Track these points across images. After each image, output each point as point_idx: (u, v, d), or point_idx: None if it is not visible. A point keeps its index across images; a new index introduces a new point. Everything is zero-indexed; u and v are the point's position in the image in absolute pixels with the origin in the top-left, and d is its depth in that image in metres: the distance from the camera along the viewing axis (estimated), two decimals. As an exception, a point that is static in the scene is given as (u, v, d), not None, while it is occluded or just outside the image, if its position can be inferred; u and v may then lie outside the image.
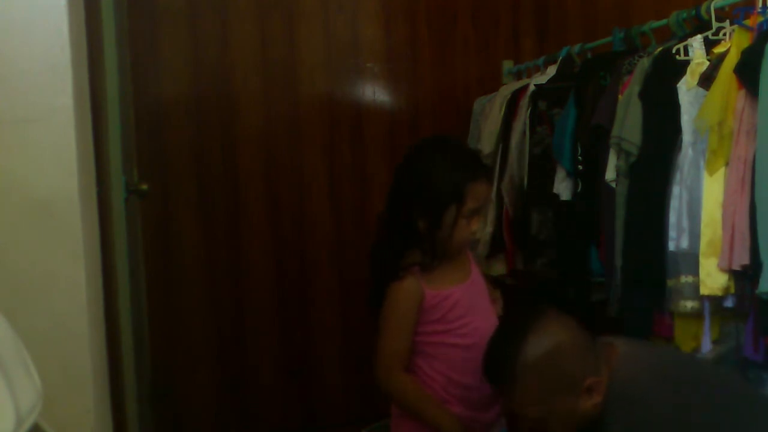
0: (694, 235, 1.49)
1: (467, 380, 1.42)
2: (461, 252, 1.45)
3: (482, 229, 1.46)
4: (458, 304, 1.42)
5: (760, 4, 1.46)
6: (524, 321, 1.19)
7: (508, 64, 2.85)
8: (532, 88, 2.27)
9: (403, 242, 1.41)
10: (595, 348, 1.18)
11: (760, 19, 1.45)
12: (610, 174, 1.74)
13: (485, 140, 2.51)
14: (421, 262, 1.39)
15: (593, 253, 1.89)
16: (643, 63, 1.69)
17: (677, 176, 1.54)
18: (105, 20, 1.35)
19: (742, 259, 1.38)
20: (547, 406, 1.13)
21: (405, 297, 1.40)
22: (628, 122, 1.65)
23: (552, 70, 2.30)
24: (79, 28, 0.91)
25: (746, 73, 1.37)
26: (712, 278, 1.42)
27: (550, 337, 1.15)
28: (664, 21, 1.82)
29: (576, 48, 2.26)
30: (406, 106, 2.70)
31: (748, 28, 1.47)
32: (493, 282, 1.89)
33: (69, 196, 0.85)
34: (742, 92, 1.39)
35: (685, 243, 1.51)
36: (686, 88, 1.54)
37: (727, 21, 1.59)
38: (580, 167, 1.91)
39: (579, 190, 1.92)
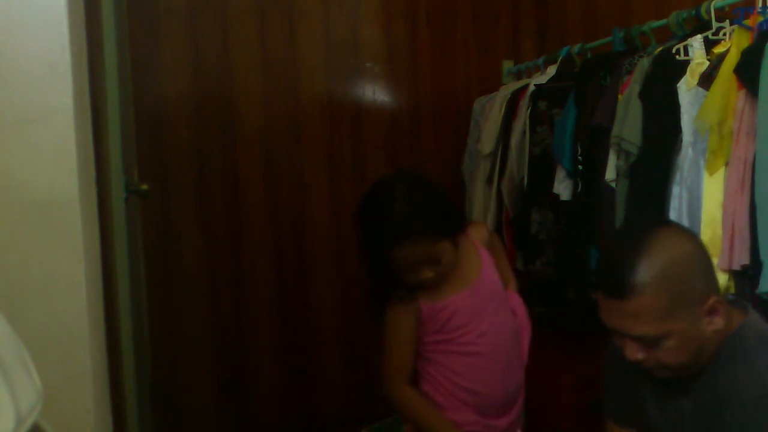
0: (694, 235, 1.49)
1: (476, 387, 1.41)
2: (443, 279, 1.39)
3: (436, 272, 1.35)
4: (457, 313, 1.40)
5: (760, 4, 1.46)
6: (646, 230, 1.05)
7: (508, 64, 2.85)
8: (532, 88, 2.27)
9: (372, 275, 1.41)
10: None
11: (760, 19, 1.45)
12: (610, 174, 1.74)
13: (485, 140, 2.51)
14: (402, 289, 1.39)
15: (593, 253, 1.89)
16: (643, 63, 1.69)
17: (677, 176, 1.54)
18: (105, 20, 1.35)
19: (742, 259, 1.38)
20: (666, 324, 0.99)
21: (399, 315, 1.41)
22: (628, 122, 1.65)
23: (552, 70, 2.30)
24: (79, 28, 0.91)
25: (746, 73, 1.37)
26: (712, 278, 1.42)
27: (675, 247, 1.01)
28: (664, 21, 1.82)
29: (576, 48, 2.26)
30: (406, 106, 2.70)
31: (748, 28, 1.47)
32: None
33: (69, 196, 0.85)
34: (742, 92, 1.39)
35: (685, 243, 1.51)
36: (686, 88, 1.54)
37: (727, 21, 1.59)
38: (580, 167, 1.91)
39: (579, 190, 1.92)
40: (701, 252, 1.05)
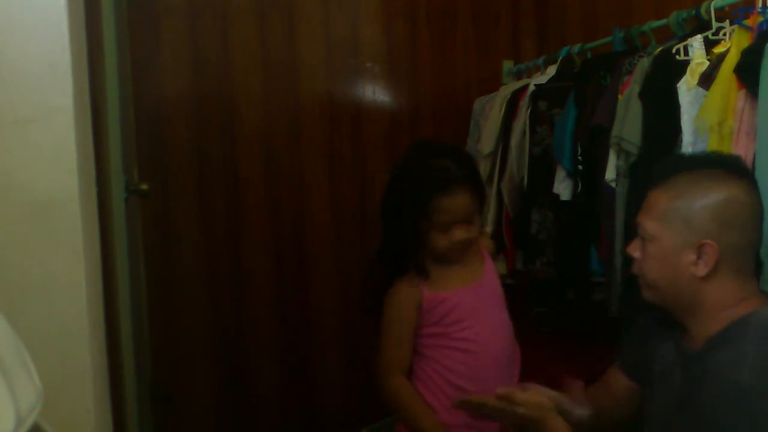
0: (694, 235, 1.48)
1: (466, 385, 1.40)
2: (461, 255, 1.42)
3: (468, 235, 1.37)
4: (457, 307, 1.41)
5: (760, 4, 1.45)
6: (732, 166, 1.06)
7: (508, 64, 2.85)
8: (532, 88, 2.28)
9: (391, 250, 1.41)
10: (749, 269, 1.07)
11: (760, 19, 1.45)
12: (610, 174, 1.74)
13: (485, 140, 2.51)
14: (415, 266, 1.40)
15: (593, 253, 1.89)
16: (643, 63, 1.69)
17: (677, 176, 1.54)
18: (105, 20, 1.35)
19: (742, 259, 1.38)
20: (658, 227, 1.06)
21: (400, 301, 1.40)
22: (628, 122, 1.65)
23: (552, 70, 2.31)
24: (79, 28, 0.91)
25: (746, 73, 1.37)
26: (712, 278, 1.42)
27: (723, 192, 1.02)
28: (664, 21, 1.82)
29: (576, 48, 2.26)
30: (406, 106, 2.70)
31: (748, 28, 1.47)
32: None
33: (69, 196, 0.85)
34: (742, 92, 1.39)
35: (685, 243, 1.51)
36: (686, 88, 1.54)
37: (727, 21, 1.59)
38: (580, 167, 1.91)
39: (579, 190, 1.92)
40: (745, 215, 1.03)
